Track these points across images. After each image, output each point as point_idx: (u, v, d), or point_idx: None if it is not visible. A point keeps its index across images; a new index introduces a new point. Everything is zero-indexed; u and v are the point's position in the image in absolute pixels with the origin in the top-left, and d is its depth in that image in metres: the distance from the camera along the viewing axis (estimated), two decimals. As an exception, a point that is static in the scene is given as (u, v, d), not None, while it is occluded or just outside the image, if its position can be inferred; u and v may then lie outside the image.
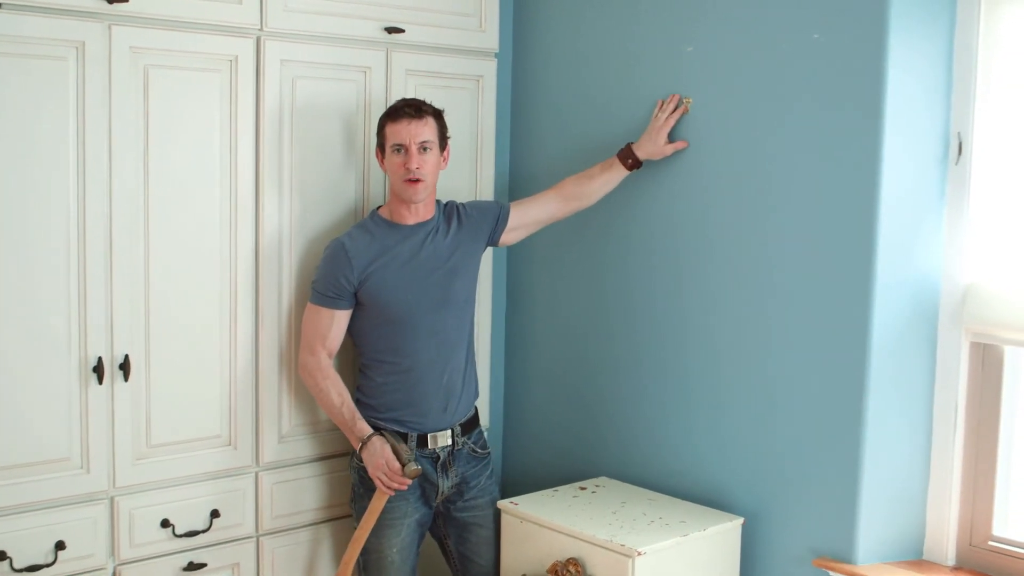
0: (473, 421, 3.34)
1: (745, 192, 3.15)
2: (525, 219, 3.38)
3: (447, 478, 3.24)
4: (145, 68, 2.92)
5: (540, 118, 3.76)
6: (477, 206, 3.36)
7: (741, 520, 3.15)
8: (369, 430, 3.12)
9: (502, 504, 3.24)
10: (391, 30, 3.35)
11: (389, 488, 3.07)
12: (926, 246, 2.96)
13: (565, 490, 3.38)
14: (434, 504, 3.28)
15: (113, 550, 3.01)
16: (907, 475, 3.01)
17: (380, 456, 3.06)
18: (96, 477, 2.95)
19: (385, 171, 3.19)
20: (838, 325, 2.95)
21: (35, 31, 2.74)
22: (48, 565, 2.88)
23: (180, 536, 3.11)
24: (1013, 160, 2.85)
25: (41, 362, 2.84)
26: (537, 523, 3.12)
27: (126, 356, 2.96)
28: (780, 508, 3.12)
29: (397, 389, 3.19)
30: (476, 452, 3.33)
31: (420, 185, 3.11)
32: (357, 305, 3.17)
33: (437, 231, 3.24)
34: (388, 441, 3.08)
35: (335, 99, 3.29)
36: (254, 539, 3.27)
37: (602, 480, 3.48)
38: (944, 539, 3.00)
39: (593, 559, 2.97)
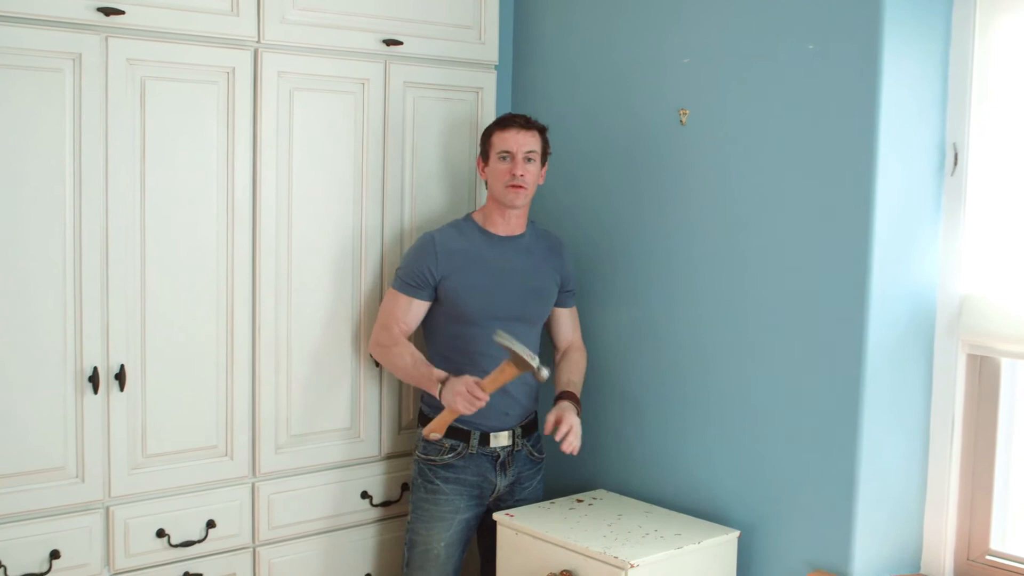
0: (532, 424, 3.42)
1: (740, 204, 3.15)
2: (553, 320, 3.47)
3: (504, 477, 3.33)
4: (142, 80, 2.94)
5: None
6: (572, 270, 3.48)
7: (737, 533, 3.13)
8: (444, 374, 3.14)
9: (498, 516, 3.24)
10: (389, 42, 3.36)
11: (473, 406, 3.06)
12: (922, 257, 2.94)
13: (562, 502, 3.37)
14: (488, 502, 3.34)
15: (108, 559, 3.02)
16: (904, 488, 2.99)
17: (459, 383, 3.07)
18: (91, 486, 2.96)
19: (485, 179, 3.32)
20: (834, 337, 2.94)
21: (32, 43, 2.76)
22: (43, 574, 2.89)
23: (176, 546, 3.12)
24: (1009, 171, 2.84)
25: (37, 372, 2.85)
26: (532, 535, 3.11)
27: (122, 366, 2.97)
28: (776, 521, 3.10)
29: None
30: (533, 455, 3.42)
31: (523, 192, 3.23)
32: (435, 301, 3.26)
33: (528, 250, 3.33)
34: (510, 347, 3.01)
35: (333, 111, 3.30)
36: (251, 549, 3.28)
37: (599, 493, 3.47)
38: (941, 553, 2.98)
39: (587, 571, 2.95)
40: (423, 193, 3.53)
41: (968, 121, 2.88)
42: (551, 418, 3.22)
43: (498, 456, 3.31)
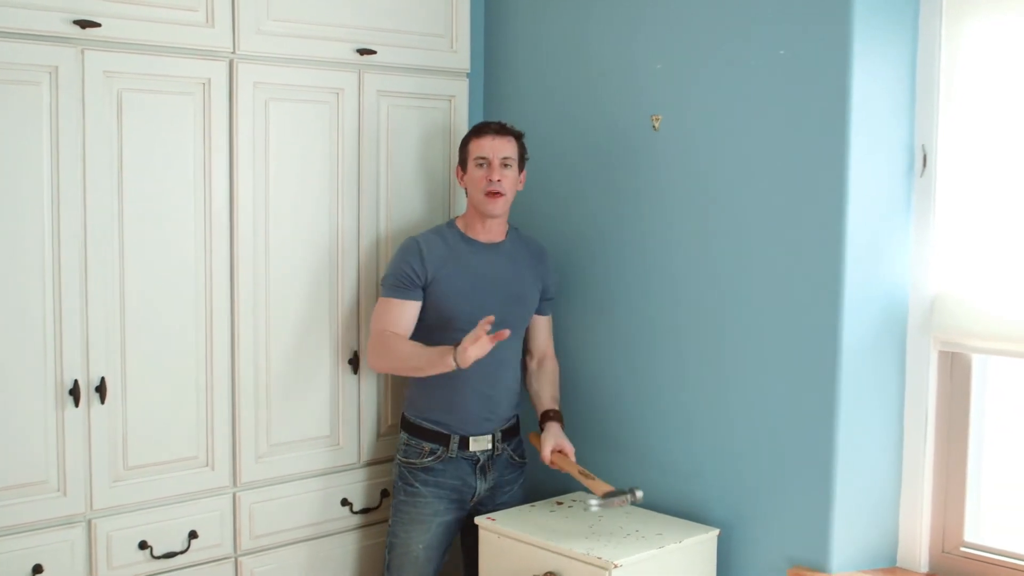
0: (514, 429, 3.44)
1: (714, 207, 3.19)
2: (530, 327, 3.49)
3: (484, 481, 3.34)
4: (119, 92, 2.94)
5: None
6: (555, 278, 3.51)
7: (717, 531, 3.18)
8: (449, 347, 3.08)
9: (479, 520, 3.26)
10: (363, 51, 3.38)
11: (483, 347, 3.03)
12: (893, 257, 3.00)
13: (542, 505, 3.39)
14: (468, 507, 3.36)
15: (91, 573, 3.01)
16: (879, 484, 3.04)
17: (469, 339, 3.01)
18: (73, 500, 2.96)
19: (464, 187, 3.34)
20: (809, 337, 2.99)
21: (8, 56, 2.76)
22: (26, 589, 2.89)
23: (158, 558, 3.11)
24: (977, 171, 2.90)
25: (17, 385, 2.85)
26: (515, 538, 3.14)
27: (102, 379, 2.96)
28: (755, 519, 3.15)
29: (442, 393, 3.27)
30: (514, 459, 3.44)
31: (500, 199, 3.25)
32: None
33: (510, 256, 3.35)
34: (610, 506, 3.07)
35: (309, 121, 3.32)
36: (232, 559, 3.28)
37: (579, 495, 3.49)
38: (917, 546, 3.03)
39: (571, 572, 2.98)
40: (399, 201, 3.55)
41: (936, 123, 2.94)
42: (547, 451, 3.25)
43: (478, 460, 3.33)
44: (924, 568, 3.03)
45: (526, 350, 3.52)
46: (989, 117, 2.87)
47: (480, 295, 3.26)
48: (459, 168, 3.36)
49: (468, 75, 3.70)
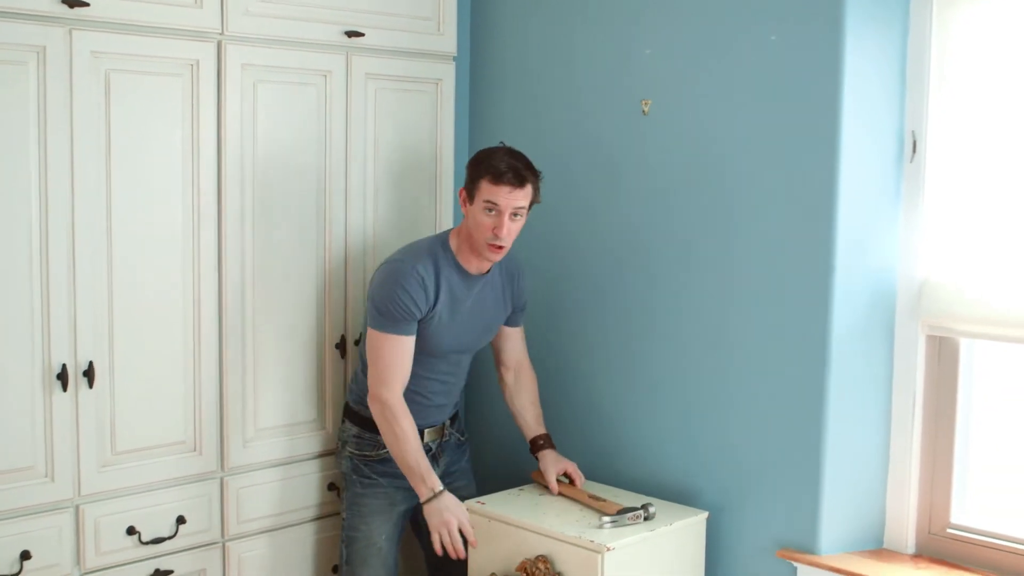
0: (457, 412, 3.45)
1: (704, 192, 3.20)
2: (503, 339, 3.43)
3: (437, 467, 3.30)
4: (107, 73, 2.90)
5: (500, 121, 3.78)
6: (526, 291, 3.42)
7: (706, 514, 3.20)
8: (438, 484, 3.09)
9: (469, 504, 3.26)
10: (351, 34, 3.35)
11: (441, 547, 3.08)
12: (883, 242, 3.02)
13: (530, 489, 3.40)
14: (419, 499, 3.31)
15: (79, 559, 2.99)
16: (867, 466, 3.07)
17: (452, 513, 3.06)
18: (61, 485, 2.93)
19: (466, 213, 3.10)
20: (798, 321, 3.01)
21: (-5, 36, 2.72)
22: (14, 575, 2.85)
23: (146, 543, 3.09)
24: (966, 157, 2.93)
25: (4, 370, 2.81)
26: (505, 522, 3.14)
27: (90, 363, 2.93)
28: (744, 501, 3.17)
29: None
30: (460, 440, 3.45)
31: (502, 251, 3.09)
32: None
33: (491, 284, 3.26)
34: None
35: (296, 103, 3.29)
36: (220, 545, 3.26)
37: (564, 478, 3.50)
38: (904, 528, 3.07)
39: (562, 556, 2.99)
40: (387, 182, 3.54)
41: (927, 109, 2.96)
42: (555, 482, 3.30)
43: (430, 448, 3.30)
44: (911, 550, 3.07)
45: (499, 361, 3.47)
46: (979, 103, 2.89)
47: (459, 328, 3.18)
48: (464, 192, 3.11)
49: (455, 59, 3.69)
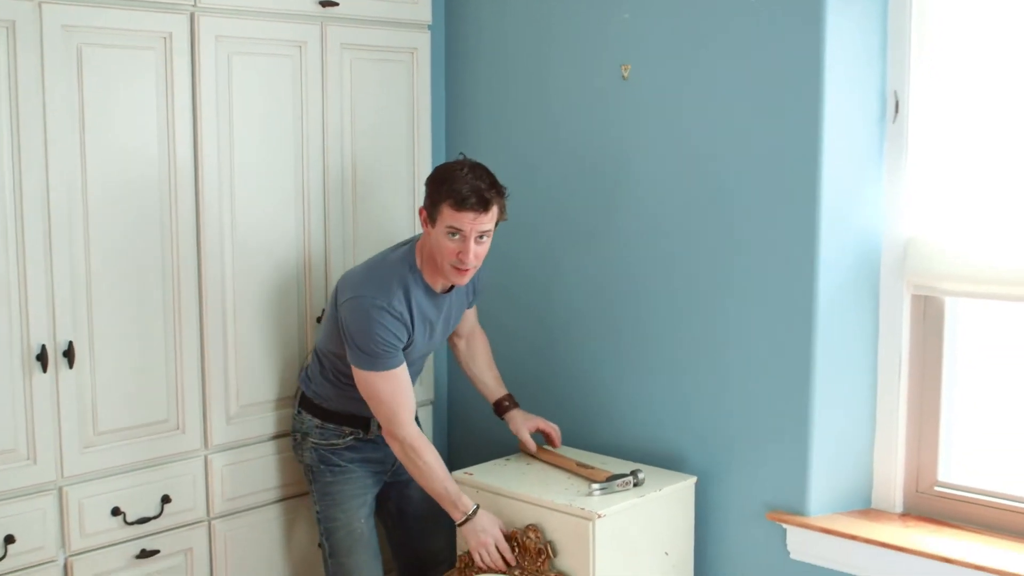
0: None
1: (686, 155, 3.19)
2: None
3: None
4: (78, 47, 2.84)
5: (476, 89, 3.75)
6: (483, 280, 3.31)
7: (695, 479, 3.20)
8: (471, 504, 3.02)
9: (457, 475, 3.23)
10: (325, 3, 3.30)
11: (484, 566, 3.02)
12: (867, 202, 3.02)
13: (517, 458, 3.39)
14: (386, 478, 3.32)
15: (64, 541, 2.95)
16: (855, 427, 3.08)
17: (488, 534, 3.00)
18: (43, 468, 2.88)
19: (427, 233, 2.96)
20: (784, 283, 3.01)
21: (-37, 12, 2.65)
22: (-2, 560, 2.82)
23: (131, 523, 3.06)
24: (948, 116, 2.92)
25: (-18, 352, 2.77)
26: (495, 492, 3.12)
27: (70, 343, 2.89)
28: (733, 465, 3.18)
29: (354, 392, 3.09)
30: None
31: (468, 273, 2.96)
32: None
33: (456, 294, 3.17)
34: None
35: (272, 75, 3.24)
36: (206, 523, 3.23)
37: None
38: (892, 487, 3.08)
39: (553, 524, 2.98)
40: (363, 152, 3.50)
41: (909, 68, 2.96)
42: (529, 439, 3.30)
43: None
44: (899, 508, 3.09)
45: (453, 333, 3.39)
46: (961, 62, 2.89)
47: (424, 338, 3.11)
48: (424, 213, 2.95)
49: (430, 27, 3.64)
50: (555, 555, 2.97)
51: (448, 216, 2.86)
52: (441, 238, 2.89)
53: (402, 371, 3.00)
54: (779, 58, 2.96)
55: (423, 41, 3.62)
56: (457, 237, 2.88)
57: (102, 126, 2.91)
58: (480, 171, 2.90)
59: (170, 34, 3.00)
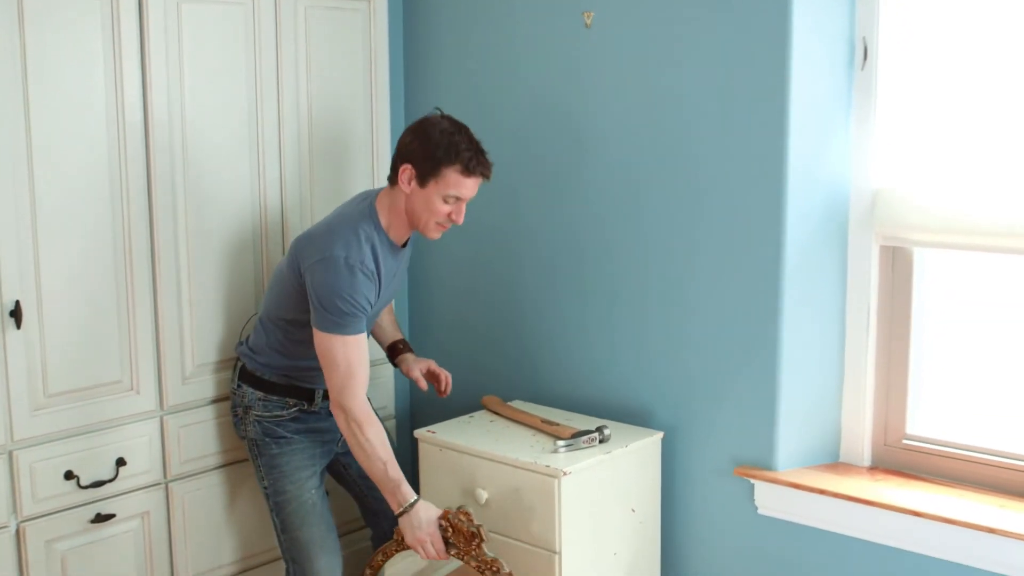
0: None
1: (653, 105, 3.12)
2: None
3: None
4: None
5: (436, 40, 3.66)
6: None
7: (661, 434, 3.16)
8: (414, 495, 2.88)
9: (419, 433, 3.19)
10: (278, -50, 3.21)
11: (427, 555, 2.91)
12: (835, 152, 2.98)
13: (480, 415, 3.34)
14: (335, 449, 3.23)
15: (15, 507, 2.86)
16: (822, 380, 3.05)
17: (424, 531, 2.87)
18: (-8, 431, 2.80)
19: (408, 192, 2.89)
20: (752, 234, 2.96)
21: None
22: (-53, 526, 2.74)
23: (85, 487, 2.98)
24: (917, 65, 2.87)
25: (-73, 314, 2.67)
26: (458, 450, 3.08)
27: (16, 303, 2.78)
28: (699, 420, 3.14)
29: (303, 362, 3.03)
30: None
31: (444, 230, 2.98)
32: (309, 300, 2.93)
33: (409, 245, 3.11)
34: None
35: (223, 25, 3.13)
36: (163, 486, 3.16)
37: (516, 403, 3.44)
38: (860, 440, 3.06)
39: (519, 483, 2.94)
40: (319, 106, 3.41)
41: (878, 15, 2.90)
42: (418, 374, 3.24)
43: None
44: (867, 462, 3.07)
45: None
46: (931, 9, 2.84)
47: (387, 294, 3.05)
48: (412, 170, 2.88)
49: (387, -23, 3.56)
50: (485, 540, 2.83)
51: (453, 181, 2.85)
52: (434, 199, 2.88)
53: (363, 340, 2.91)
54: (745, 3, 2.89)
55: (380, -11, 3.53)
56: (451, 203, 2.89)
57: (47, 82, 2.79)
58: (470, 133, 2.91)
59: (116, -20, 2.90)
